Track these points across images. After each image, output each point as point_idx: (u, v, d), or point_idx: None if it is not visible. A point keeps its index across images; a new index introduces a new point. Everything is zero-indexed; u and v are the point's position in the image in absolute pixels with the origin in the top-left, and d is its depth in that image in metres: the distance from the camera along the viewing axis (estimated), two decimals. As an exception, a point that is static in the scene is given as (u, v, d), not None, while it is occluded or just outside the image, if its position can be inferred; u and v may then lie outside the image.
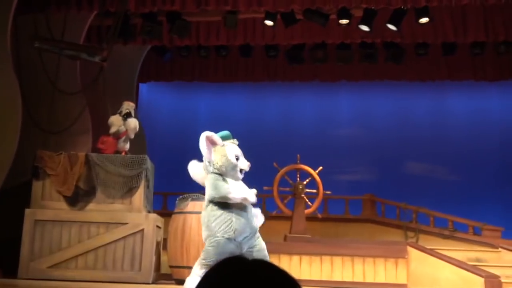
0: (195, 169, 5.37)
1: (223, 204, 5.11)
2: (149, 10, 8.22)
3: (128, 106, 7.12)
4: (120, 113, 7.01)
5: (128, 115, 6.94)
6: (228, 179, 5.17)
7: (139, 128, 7.39)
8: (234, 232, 5.07)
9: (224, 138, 5.29)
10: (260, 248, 5.27)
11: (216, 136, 5.23)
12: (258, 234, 5.30)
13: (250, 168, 5.34)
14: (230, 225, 5.09)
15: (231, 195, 5.05)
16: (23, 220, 6.45)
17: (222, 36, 9.46)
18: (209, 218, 5.11)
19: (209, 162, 5.19)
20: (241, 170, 5.23)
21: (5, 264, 6.57)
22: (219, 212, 5.11)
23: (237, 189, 5.14)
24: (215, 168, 5.17)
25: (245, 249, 5.17)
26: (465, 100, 11.83)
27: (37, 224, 6.47)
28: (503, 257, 8.68)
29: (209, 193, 5.15)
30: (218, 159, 5.16)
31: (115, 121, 6.96)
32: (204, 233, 5.18)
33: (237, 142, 5.37)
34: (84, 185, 6.60)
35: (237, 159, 5.22)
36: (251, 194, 5.16)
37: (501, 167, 11.38)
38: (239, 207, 5.14)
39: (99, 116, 8.21)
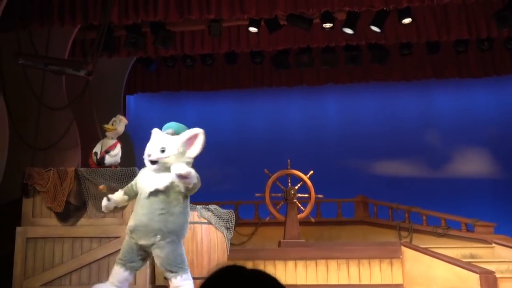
0: None
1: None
2: (133, 22, 8.21)
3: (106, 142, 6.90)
4: (96, 158, 6.75)
5: (102, 160, 6.72)
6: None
7: (128, 140, 7.34)
8: (131, 228, 5.04)
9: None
10: (159, 257, 4.99)
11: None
12: (164, 235, 4.96)
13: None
14: (130, 221, 5.09)
15: None
16: (14, 238, 6.39)
17: (207, 45, 9.47)
18: None
19: None
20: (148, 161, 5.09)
21: (-2, 284, 6.51)
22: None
23: None
24: None
25: (147, 249, 5.03)
26: (451, 98, 11.91)
27: (29, 241, 6.40)
28: (496, 253, 8.71)
29: None
30: None
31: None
32: None
33: (163, 131, 5.21)
34: (75, 200, 6.55)
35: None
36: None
37: (490, 163, 11.45)
38: (139, 201, 5.06)
39: (87, 130, 8.17)
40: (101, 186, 5.64)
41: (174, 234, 4.97)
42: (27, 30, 7.88)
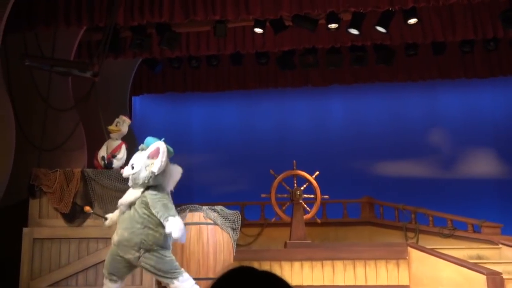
0: None
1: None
2: (138, 23, 8.22)
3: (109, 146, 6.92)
4: (104, 163, 6.77)
5: (110, 164, 6.77)
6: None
7: (133, 141, 7.36)
8: (114, 243, 5.10)
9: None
10: (146, 263, 5.02)
11: None
12: (146, 248, 4.99)
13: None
14: (114, 235, 5.14)
15: None
16: (21, 239, 6.41)
17: (212, 46, 9.47)
18: None
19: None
20: None
21: (5, 285, 6.52)
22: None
23: None
24: None
25: (134, 262, 5.05)
26: (457, 98, 11.87)
27: (35, 242, 6.43)
28: (503, 254, 8.67)
29: None
30: None
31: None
32: None
33: (140, 147, 5.26)
34: (81, 201, 6.57)
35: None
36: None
37: (496, 163, 11.41)
38: (122, 215, 5.13)
39: (93, 132, 8.19)
40: (86, 208, 5.72)
41: (157, 245, 5.02)
42: (33, 31, 7.91)
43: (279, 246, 8.67)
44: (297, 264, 7.80)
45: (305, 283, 7.68)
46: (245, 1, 7.75)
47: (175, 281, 5.03)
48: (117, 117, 7.01)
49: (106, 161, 6.70)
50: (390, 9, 8.06)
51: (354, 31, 8.61)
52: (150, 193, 5.03)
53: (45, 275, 6.37)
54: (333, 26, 8.60)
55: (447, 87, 11.61)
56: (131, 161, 5.17)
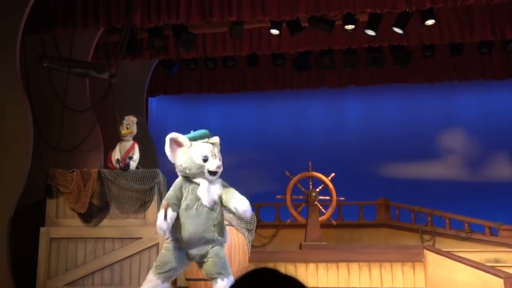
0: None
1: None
2: (155, 25, 8.26)
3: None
4: (119, 166, 6.75)
5: (127, 166, 6.78)
6: (199, 180, 4.95)
7: (150, 142, 7.40)
8: (182, 239, 4.89)
9: (197, 138, 5.09)
10: (212, 261, 4.91)
11: (182, 137, 5.05)
12: (214, 243, 4.93)
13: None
14: (179, 232, 4.90)
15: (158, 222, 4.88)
16: (38, 239, 6.47)
17: (229, 47, 9.49)
18: None
19: (174, 164, 5.05)
20: (210, 172, 4.95)
21: (22, 284, 6.59)
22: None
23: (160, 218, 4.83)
24: (180, 171, 5.01)
25: (196, 259, 4.95)
26: (475, 100, 11.77)
27: (52, 242, 6.49)
28: (521, 257, 8.59)
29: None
30: (183, 161, 4.98)
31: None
32: None
33: (216, 140, 5.12)
34: (98, 201, 6.62)
35: (205, 160, 4.96)
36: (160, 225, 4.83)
37: (514, 165, 11.30)
38: (189, 211, 4.91)
39: (110, 132, 8.24)
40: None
41: (223, 241, 5.02)
42: (51, 33, 7.99)
43: (294, 248, 8.66)
44: (312, 266, 7.78)
45: (320, 285, 7.66)
46: (262, 2, 7.75)
47: (225, 279, 4.89)
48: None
49: (121, 164, 6.73)
50: (407, 10, 8.01)
51: (370, 32, 8.56)
52: (224, 184, 5.01)
53: (62, 274, 6.42)
54: (349, 27, 8.56)
55: (464, 88, 11.51)
56: (208, 154, 5.01)
